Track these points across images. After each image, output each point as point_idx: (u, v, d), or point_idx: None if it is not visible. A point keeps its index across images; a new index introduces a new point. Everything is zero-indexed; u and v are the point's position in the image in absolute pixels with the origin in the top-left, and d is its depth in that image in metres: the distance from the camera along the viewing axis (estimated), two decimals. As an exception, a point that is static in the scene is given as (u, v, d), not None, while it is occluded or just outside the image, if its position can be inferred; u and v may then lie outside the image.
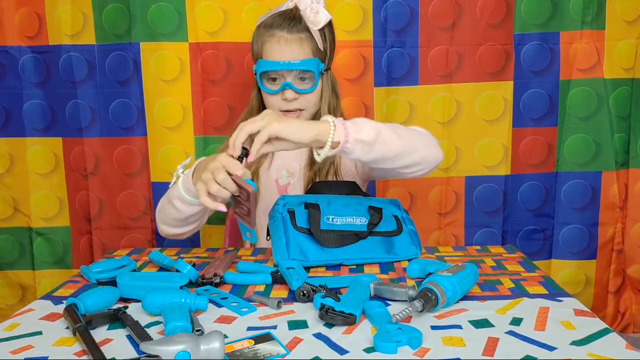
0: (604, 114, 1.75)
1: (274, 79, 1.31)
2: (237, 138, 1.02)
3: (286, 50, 1.28)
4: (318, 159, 1.07)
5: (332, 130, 1.05)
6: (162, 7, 1.68)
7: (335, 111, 1.37)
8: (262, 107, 1.38)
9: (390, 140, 1.12)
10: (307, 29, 1.28)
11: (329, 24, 1.33)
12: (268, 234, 1.19)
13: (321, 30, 1.30)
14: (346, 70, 1.72)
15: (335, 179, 1.35)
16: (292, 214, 1.15)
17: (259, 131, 1.02)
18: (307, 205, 1.15)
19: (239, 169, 1.01)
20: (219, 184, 1.02)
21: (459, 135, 1.76)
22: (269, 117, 1.03)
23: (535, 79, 1.74)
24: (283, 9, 1.32)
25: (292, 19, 1.29)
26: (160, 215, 1.29)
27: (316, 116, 1.35)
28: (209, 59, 1.71)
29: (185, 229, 1.28)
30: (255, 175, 1.38)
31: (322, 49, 1.31)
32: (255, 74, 1.32)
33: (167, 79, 1.72)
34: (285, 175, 1.39)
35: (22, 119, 1.76)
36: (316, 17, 1.27)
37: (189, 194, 1.18)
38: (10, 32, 1.71)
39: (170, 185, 1.24)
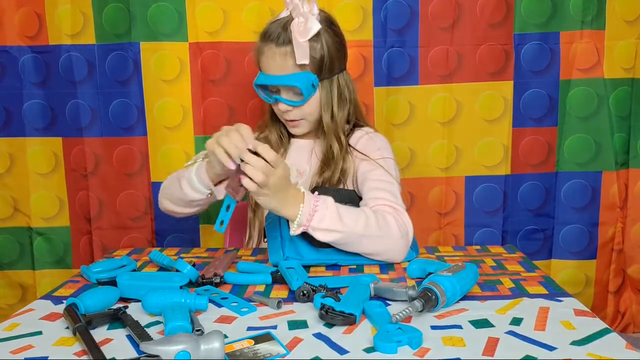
0: (604, 114, 1.75)
1: (271, 91, 1.31)
2: (256, 146, 1.02)
3: (271, 64, 1.27)
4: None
5: (298, 216, 1.06)
6: (162, 7, 1.68)
7: (348, 119, 1.36)
8: (273, 113, 1.38)
9: (351, 245, 1.12)
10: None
11: (330, 27, 1.29)
12: (265, 236, 1.19)
13: (316, 38, 1.24)
14: (346, 70, 1.71)
15: (344, 188, 1.33)
16: None
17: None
18: None
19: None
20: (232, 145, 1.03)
21: (459, 135, 1.75)
22: (269, 187, 1.02)
23: (535, 79, 1.74)
24: (282, 16, 1.28)
25: (282, 31, 1.25)
26: (165, 191, 1.29)
27: (321, 123, 1.33)
28: (209, 59, 1.71)
29: (185, 209, 1.28)
30: None
31: (314, 59, 1.25)
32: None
33: (167, 79, 1.72)
34: (294, 174, 1.38)
35: (22, 119, 1.75)
36: (304, 28, 1.22)
37: (200, 181, 1.16)
38: (10, 32, 1.71)
39: (185, 165, 1.21)
